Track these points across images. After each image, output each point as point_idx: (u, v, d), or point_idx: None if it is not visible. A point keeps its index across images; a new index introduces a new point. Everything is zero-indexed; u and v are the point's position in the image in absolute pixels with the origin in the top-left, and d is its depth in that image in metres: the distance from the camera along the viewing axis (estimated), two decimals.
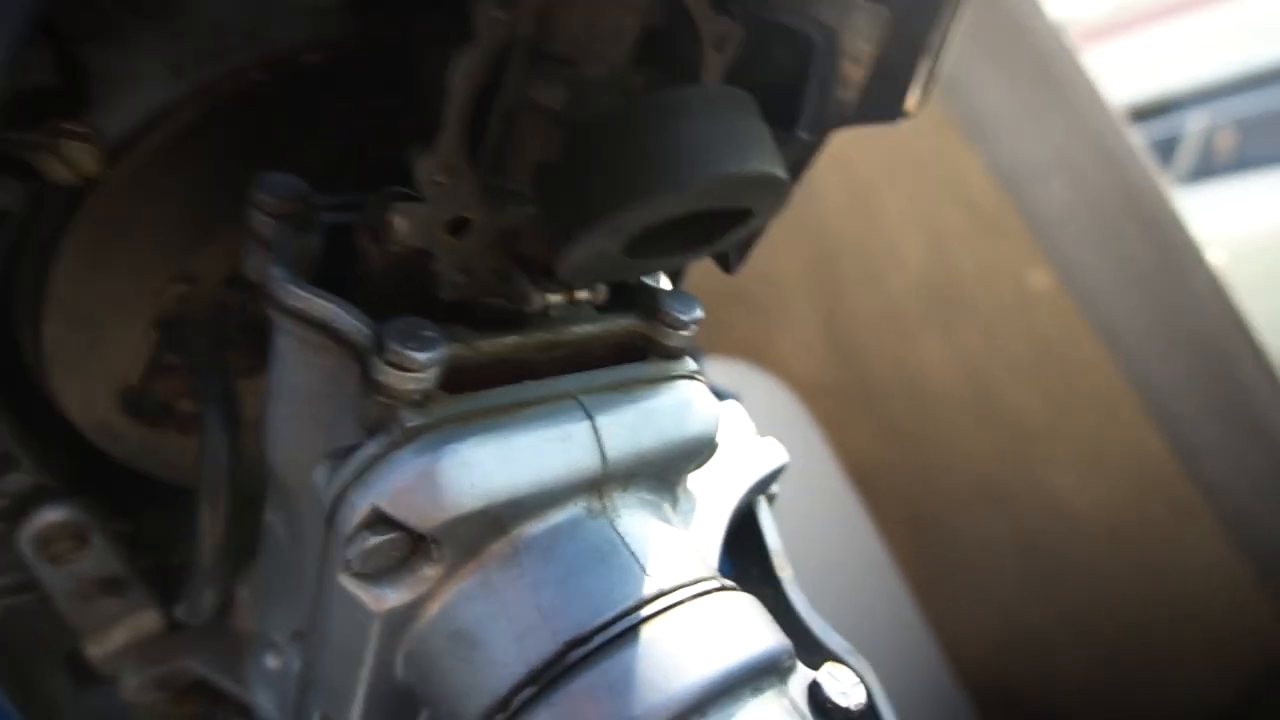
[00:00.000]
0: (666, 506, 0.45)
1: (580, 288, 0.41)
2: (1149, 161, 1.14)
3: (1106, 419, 1.19)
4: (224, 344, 0.51)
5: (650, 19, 0.38)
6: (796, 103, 0.40)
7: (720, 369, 1.22)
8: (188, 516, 0.51)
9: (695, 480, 0.50)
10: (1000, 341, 1.22)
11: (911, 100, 0.41)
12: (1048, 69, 1.10)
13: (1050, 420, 1.23)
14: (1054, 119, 1.10)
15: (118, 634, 0.62)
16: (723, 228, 0.37)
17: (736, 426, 0.56)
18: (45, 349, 0.48)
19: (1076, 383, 1.19)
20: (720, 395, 1.06)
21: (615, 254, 0.35)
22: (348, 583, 0.38)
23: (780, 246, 1.32)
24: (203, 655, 0.64)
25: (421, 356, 0.36)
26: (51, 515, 0.53)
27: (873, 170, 1.23)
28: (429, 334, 0.37)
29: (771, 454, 0.55)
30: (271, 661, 0.56)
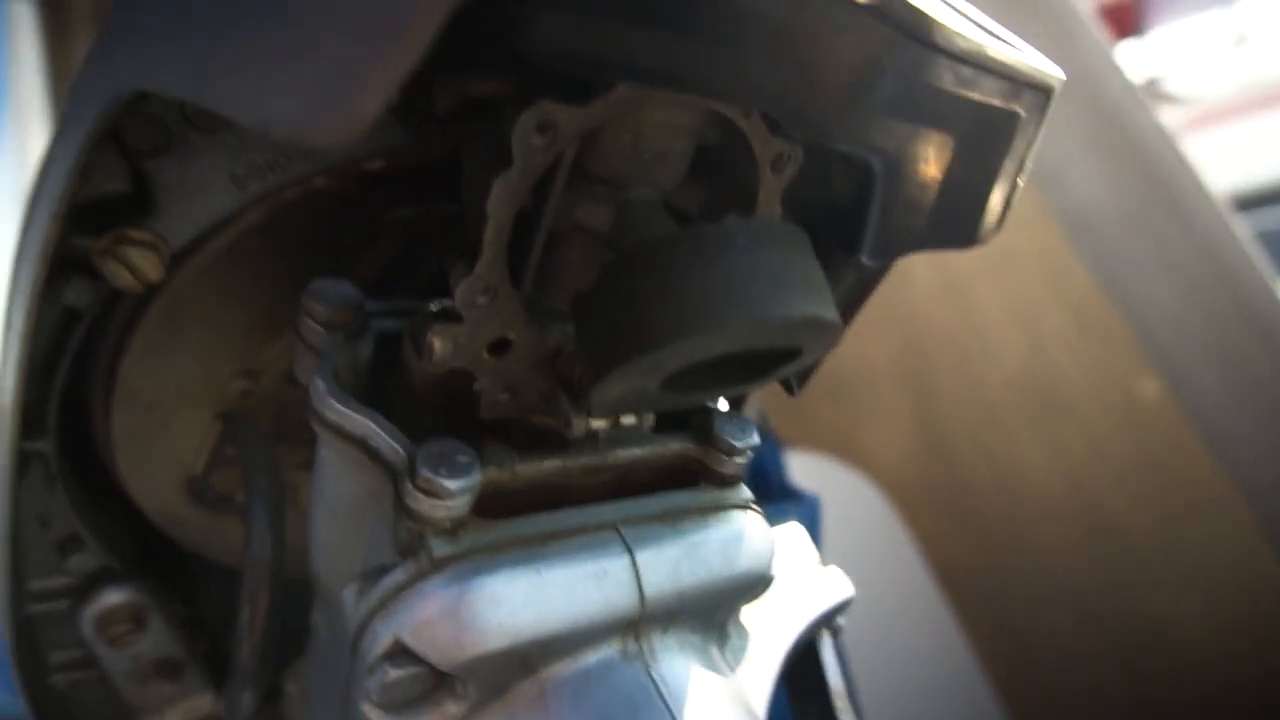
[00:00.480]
0: (714, 649, 0.42)
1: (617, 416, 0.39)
2: (1262, 265, 1.06)
3: (1223, 542, 1.09)
4: (279, 440, 0.51)
5: (706, 138, 0.37)
6: (859, 227, 0.38)
7: (803, 463, 1.18)
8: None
9: (749, 614, 0.47)
10: (1105, 451, 1.15)
11: (986, 227, 0.39)
12: (1149, 165, 1.04)
13: (1160, 540, 1.13)
14: (1157, 218, 1.04)
15: (172, 717, 0.62)
16: (770, 365, 0.35)
17: (797, 554, 0.52)
18: (114, 437, 0.49)
19: (1189, 501, 1.10)
20: (798, 495, 1.02)
21: (653, 390, 0.33)
22: (370, 712, 0.37)
23: (870, 338, 1.28)
24: None
25: (453, 485, 0.35)
26: (114, 597, 0.54)
27: (968, 263, 1.18)
28: (464, 459, 0.36)
29: (835, 585, 0.52)
30: None
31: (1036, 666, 1.25)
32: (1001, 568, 1.25)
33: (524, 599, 0.36)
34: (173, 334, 0.46)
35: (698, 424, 0.44)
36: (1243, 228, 1.12)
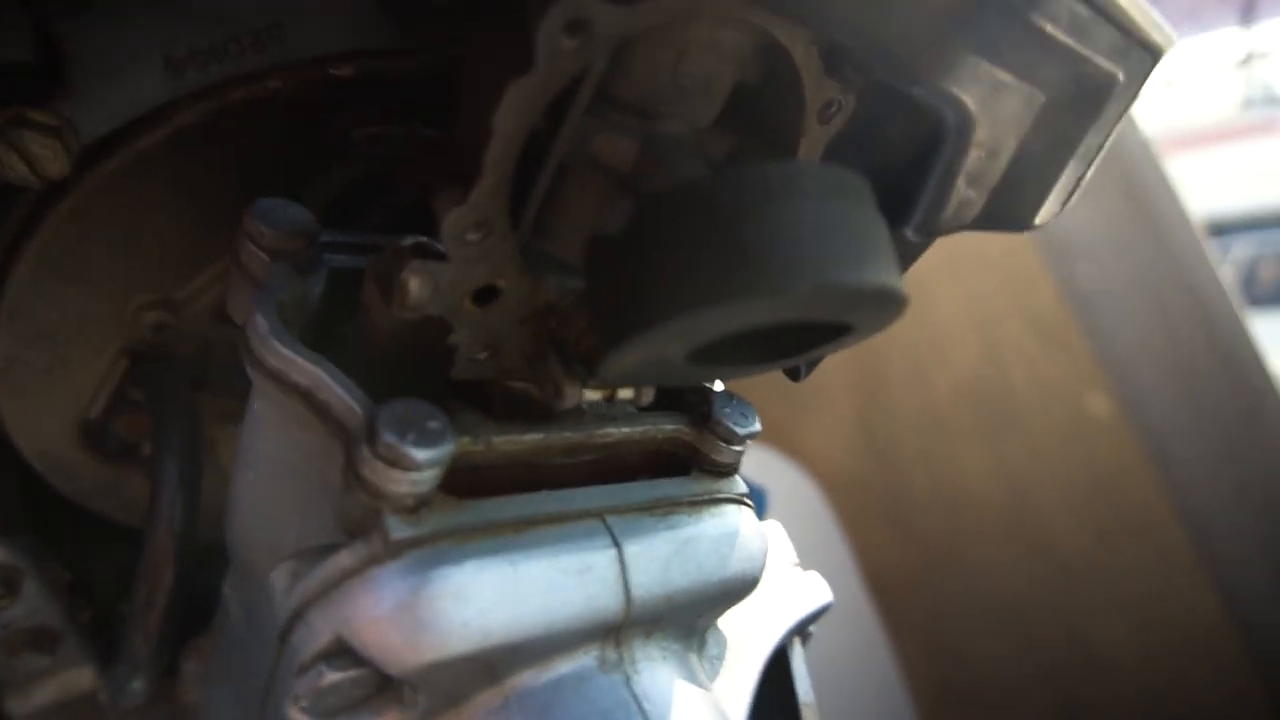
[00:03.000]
0: (693, 657, 0.37)
1: (623, 388, 0.34)
2: (1233, 292, 1.05)
3: (1158, 567, 1.09)
4: (198, 386, 0.44)
5: (746, 74, 0.32)
6: (911, 196, 0.33)
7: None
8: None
9: (729, 619, 0.42)
10: (1049, 465, 1.13)
11: (1046, 209, 0.34)
12: (1130, 181, 1.02)
13: (1096, 559, 1.13)
14: (1133, 236, 1.02)
15: (43, 692, 0.54)
16: (813, 341, 0.30)
17: (777, 554, 0.48)
18: None
19: (1129, 522, 1.10)
20: (749, 488, 0.97)
21: (677, 360, 0.28)
22: (296, 718, 0.31)
23: None
24: None
25: (421, 455, 0.29)
26: None
27: (930, 262, 1.15)
28: (435, 425, 0.30)
29: (815, 591, 0.47)
30: None
31: (961, 677, 1.24)
32: (936, 578, 1.23)
33: (496, 596, 0.30)
34: (77, 247, 0.38)
35: (695, 405, 0.38)
36: (1217, 252, 1.11)
